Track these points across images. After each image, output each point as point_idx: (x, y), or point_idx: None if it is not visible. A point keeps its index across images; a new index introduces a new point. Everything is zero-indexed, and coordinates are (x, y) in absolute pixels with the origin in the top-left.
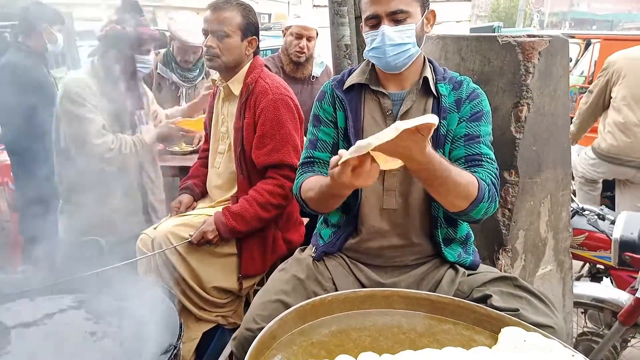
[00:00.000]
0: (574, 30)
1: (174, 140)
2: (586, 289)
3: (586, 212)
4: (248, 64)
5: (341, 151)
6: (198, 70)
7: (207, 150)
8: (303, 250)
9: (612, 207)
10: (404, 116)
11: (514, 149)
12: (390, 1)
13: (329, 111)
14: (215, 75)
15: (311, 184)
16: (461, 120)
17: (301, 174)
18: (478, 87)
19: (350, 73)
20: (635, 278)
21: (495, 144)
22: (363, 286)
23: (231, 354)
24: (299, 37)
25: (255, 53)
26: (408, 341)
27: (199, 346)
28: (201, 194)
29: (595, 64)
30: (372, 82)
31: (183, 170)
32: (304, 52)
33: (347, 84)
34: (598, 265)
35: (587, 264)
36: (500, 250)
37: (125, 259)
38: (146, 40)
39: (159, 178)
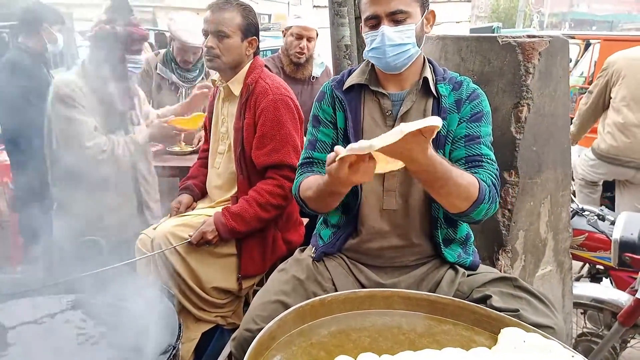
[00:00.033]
0: (574, 31)
1: (166, 140)
2: (586, 289)
3: (586, 213)
4: (248, 65)
5: (338, 147)
6: (198, 71)
7: (207, 150)
8: (303, 250)
9: (611, 207)
10: (404, 117)
11: (514, 150)
12: (390, 1)
13: (328, 112)
14: (215, 75)
15: (309, 183)
16: (461, 120)
17: (300, 175)
18: (478, 87)
19: (349, 73)
20: (635, 279)
21: (495, 144)
22: (363, 287)
23: (230, 355)
24: (299, 37)
25: (256, 53)
26: (407, 342)
27: (198, 346)
28: (201, 194)
29: (595, 65)
30: (372, 83)
31: (183, 171)
32: (304, 53)
33: (347, 84)
34: (598, 266)
35: (587, 265)
36: (500, 251)
37: (123, 259)
38: (136, 40)
39: (153, 178)
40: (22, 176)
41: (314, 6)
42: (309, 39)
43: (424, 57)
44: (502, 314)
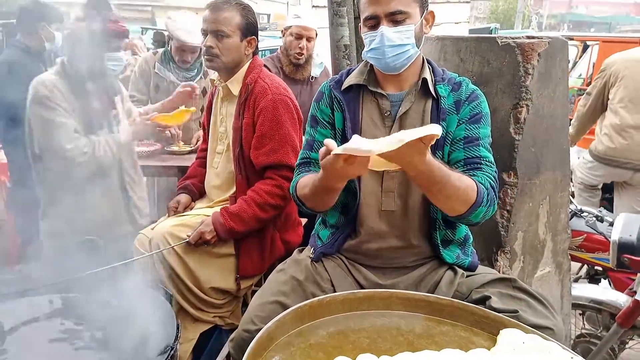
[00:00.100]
0: (572, 33)
1: (150, 137)
2: (584, 290)
3: (584, 214)
4: (247, 64)
5: (328, 141)
6: (196, 70)
7: (206, 150)
8: (301, 251)
9: (610, 209)
10: (403, 117)
11: (512, 151)
12: (389, 2)
13: (326, 112)
14: (214, 75)
15: (306, 181)
16: (460, 122)
17: (297, 174)
18: (477, 88)
19: (348, 73)
20: (634, 280)
21: (494, 145)
22: (361, 287)
23: (228, 355)
24: (299, 37)
25: (255, 53)
26: (406, 343)
27: (196, 347)
28: (199, 194)
29: (593, 66)
30: (371, 83)
31: (181, 170)
32: (303, 54)
33: (345, 84)
34: (596, 267)
35: (586, 266)
36: (499, 252)
37: (113, 259)
38: (115, 37)
39: (139, 176)
40: (17, 176)
41: (313, 6)
42: (308, 39)
43: (423, 58)
44: (501, 315)
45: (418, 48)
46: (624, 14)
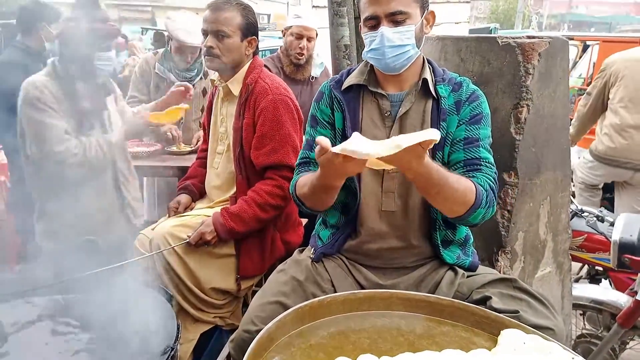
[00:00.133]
0: (573, 32)
1: (143, 136)
2: (585, 290)
3: (585, 214)
4: (248, 64)
5: (321, 139)
6: (196, 70)
7: (206, 150)
8: (302, 251)
9: (611, 209)
10: (403, 117)
11: (513, 151)
12: (389, 2)
13: (326, 112)
14: (214, 75)
15: (305, 180)
16: (460, 122)
17: (297, 174)
18: (478, 88)
19: (349, 73)
20: (634, 280)
21: (494, 145)
22: (362, 288)
23: (229, 356)
24: (299, 37)
25: (255, 53)
26: (407, 343)
27: (197, 347)
28: (199, 194)
29: (594, 66)
30: (371, 83)
31: (181, 171)
32: (303, 54)
33: (346, 84)
34: (597, 267)
35: (586, 266)
36: (500, 252)
37: (113, 260)
38: (105, 37)
39: (133, 176)
40: (17, 176)
41: (313, 6)
42: (309, 39)
43: (423, 58)
44: (501, 315)
45: (418, 48)
46: (624, 14)
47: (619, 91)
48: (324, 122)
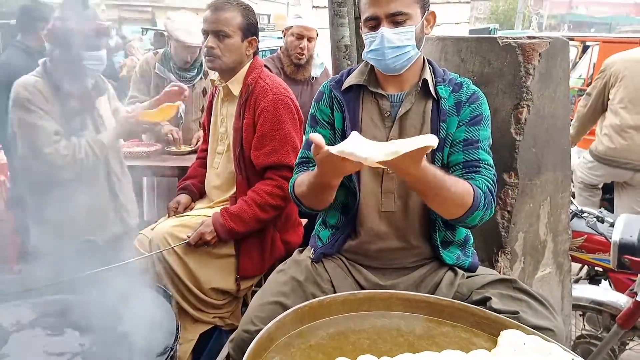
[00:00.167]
0: (572, 33)
1: (135, 135)
2: (585, 291)
3: (585, 215)
4: (248, 64)
5: (314, 136)
6: (196, 70)
7: (206, 150)
8: (301, 251)
9: (610, 209)
10: (403, 118)
11: (513, 151)
12: (389, 3)
13: (326, 112)
14: (214, 75)
15: (303, 179)
16: (460, 123)
17: (296, 173)
18: (478, 89)
19: (349, 73)
20: (634, 281)
21: (495, 145)
22: (362, 288)
23: (228, 356)
24: (300, 37)
25: (255, 53)
26: (407, 344)
27: (196, 348)
28: (199, 194)
29: (594, 67)
30: (371, 84)
31: (181, 171)
32: (304, 54)
33: (346, 84)
34: (597, 268)
35: (586, 267)
36: (500, 252)
37: (109, 260)
38: (94, 36)
39: (127, 177)
40: (14, 176)
41: (314, 6)
42: (309, 39)
43: (423, 58)
44: (501, 316)
45: (418, 49)
46: (624, 15)
47: (619, 92)
48: (324, 122)
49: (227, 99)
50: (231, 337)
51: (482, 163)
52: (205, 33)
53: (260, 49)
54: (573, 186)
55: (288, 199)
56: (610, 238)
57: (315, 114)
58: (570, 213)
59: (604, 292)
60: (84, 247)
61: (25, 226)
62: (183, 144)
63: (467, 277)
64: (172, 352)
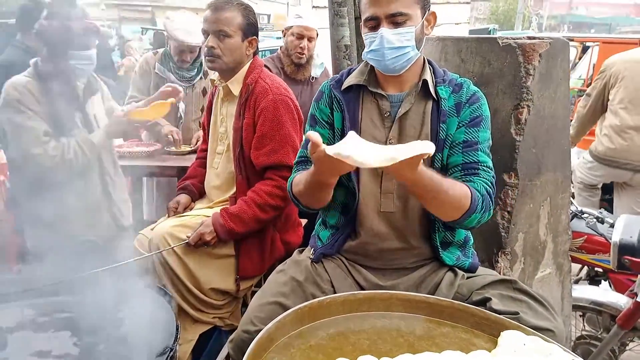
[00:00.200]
0: (572, 34)
1: (128, 135)
2: (585, 292)
3: (585, 215)
4: (248, 64)
5: (311, 133)
6: (196, 70)
7: (206, 150)
8: (301, 251)
9: (610, 210)
10: (402, 118)
11: (513, 152)
12: (389, 3)
13: (325, 112)
14: (214, 75)
15: (300, 177)
16: (460, 124)
17: (295, 172)
18: (478, 90)
19: (349, 73)
20: (634, 281)
21: (495, 146)
22: (362, 288)
23: (228, 356)
24: (300, 37)
25: (255, 53)
26: (407, 344)
27: (196, 348)
28: (199, 194)
29: (594, 67)
30: (371, 84)
31: (181, 171)
32: (304, 53)
33: (346, 84)
34: (596, 269)
35: (586, 267)
36: (500, 253)
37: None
38: (82, 35)
39: (120, 177)
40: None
41: (314, 7)
42: (309, 39)
43: (424, 59)
44: (501, 316)
45: (418, 50)
46: (624, 15)
47: (619, 92)
48: (323, 122)
49: (227, 99)
50: (231, 337)
51: (481, 165)
52: (206, 33)
53: (259, 49)
54: (572, 186)
55: (288, 199)
56: (610, 239)
57: (315, 114)
58: (570, 214)
59: (604, 293)
60: (83, 248)
61: (22, 226)
62: (183, 143)
63: (467, 278)
64: (171, 353)
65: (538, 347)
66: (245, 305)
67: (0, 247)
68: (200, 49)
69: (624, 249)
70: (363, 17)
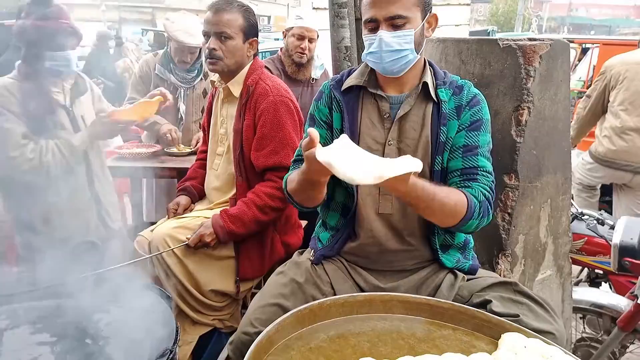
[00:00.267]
0: (572, 35)
1: (112, 135)
2: (585, 294)
3: (585, 217)
4: (248, 66)
5: (311, 131)
6: (196, 71)
7: (206, 151)
8: (301, 253)
9: (609, 211)
10: (402, 119)
11: (514, 153)
12: (389, 6)
13: (324, 112)
14: (214, 76)
15: (294, 175)
16: (460, 128)
17: (291, 170)
18: (479, 92)
19: (349, 74)
20: (635, 283)
21: (495, 148)
22: (362, 290)
23: (228, 358)
24: (301, 38)
25: (255, 54)
26: (407, 347)
27: (196, 350)
28: (199, 195)
29: (594, 69)
30: (371, 85)
31: (181, 172)
32: (305, 53)
33: (345, 85)
34: (597, 270)
35: (586, 269)
36: (500, 255)
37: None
38: (61, 35)
39: (106, 178)
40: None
41: (314, 8)
42: (310, 40)
43: (425, 61)
44: (502, 319)
45: (418, 53)
46: (624, 17)
47: (619, 94)
48: (321, 122)
49: (227, 100)
50: (231, 339)
51: (480, 170)
52: (207, 35)
53: (259, 51)
54: (572, 187)
55: None
56: (611, 240)
57: (314, 113)
58: (571, 215)
59: (605, 295)
60: (80, 249)
61: (20, 227)
62: (183, 145)
63: (468, 280)
64: (171, 355)
65: (539, 350)
66: (245, 307)
67: None
68: (200, 50)
69: (625, 250)
70: (363, 19)
